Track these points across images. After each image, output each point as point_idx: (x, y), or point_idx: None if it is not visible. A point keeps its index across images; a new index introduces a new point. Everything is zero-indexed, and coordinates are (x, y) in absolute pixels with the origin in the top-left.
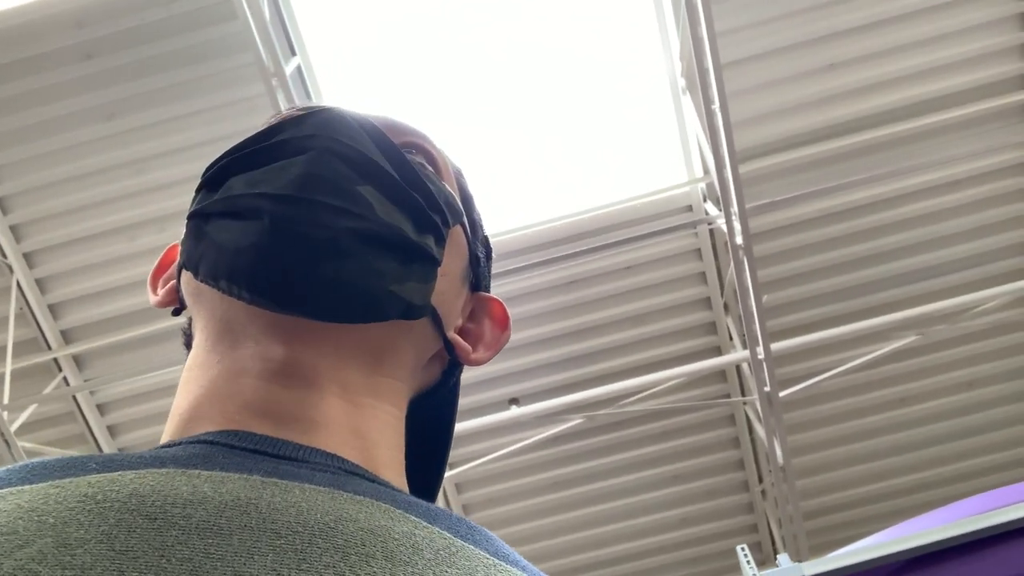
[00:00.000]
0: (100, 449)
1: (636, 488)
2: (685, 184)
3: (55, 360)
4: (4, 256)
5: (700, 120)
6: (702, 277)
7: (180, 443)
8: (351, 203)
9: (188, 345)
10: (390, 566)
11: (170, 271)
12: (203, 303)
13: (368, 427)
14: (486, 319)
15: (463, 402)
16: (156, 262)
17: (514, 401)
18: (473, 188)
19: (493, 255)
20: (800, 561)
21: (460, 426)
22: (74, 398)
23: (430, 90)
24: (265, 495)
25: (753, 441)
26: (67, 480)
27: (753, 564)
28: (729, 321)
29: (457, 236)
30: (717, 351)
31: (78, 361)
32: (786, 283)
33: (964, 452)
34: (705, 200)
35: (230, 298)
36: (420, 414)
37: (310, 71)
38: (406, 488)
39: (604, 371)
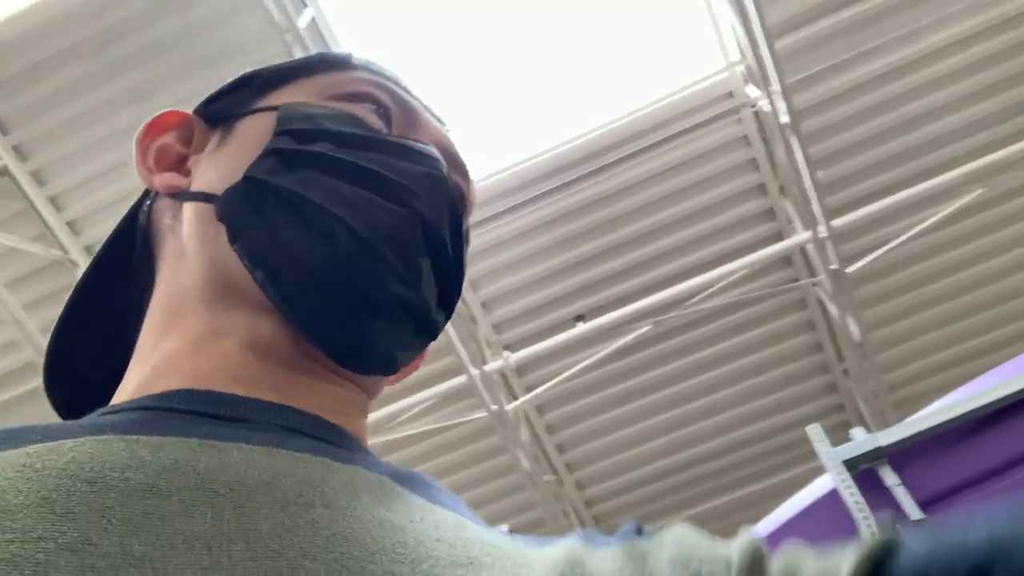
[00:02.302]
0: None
1: (715, 385)
2: (722, 70)
3: None
4: None
5: (729, 1)
6: (753, 164)
7: (121, 410)
8: (411, 272)
9: (143, 246)
10: (329, 512)
11: (165, 143)
12: (216, 247)
13: (332, 401)
14: None
15: (529, 327)
16: (146, 124)
17: (579, 318)
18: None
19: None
20: None
21: (530, 350)
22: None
23: (450, 22)
24: (202, 457)
25: (828, 321)
26: (7, 452)
27: (826, 440)
28: (787, 204)
29: None
30: (779, 236)
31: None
32: (839, 156)
33: None
34: (745, 83)
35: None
36: None
37: (324, 22)
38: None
39: (666, 274)
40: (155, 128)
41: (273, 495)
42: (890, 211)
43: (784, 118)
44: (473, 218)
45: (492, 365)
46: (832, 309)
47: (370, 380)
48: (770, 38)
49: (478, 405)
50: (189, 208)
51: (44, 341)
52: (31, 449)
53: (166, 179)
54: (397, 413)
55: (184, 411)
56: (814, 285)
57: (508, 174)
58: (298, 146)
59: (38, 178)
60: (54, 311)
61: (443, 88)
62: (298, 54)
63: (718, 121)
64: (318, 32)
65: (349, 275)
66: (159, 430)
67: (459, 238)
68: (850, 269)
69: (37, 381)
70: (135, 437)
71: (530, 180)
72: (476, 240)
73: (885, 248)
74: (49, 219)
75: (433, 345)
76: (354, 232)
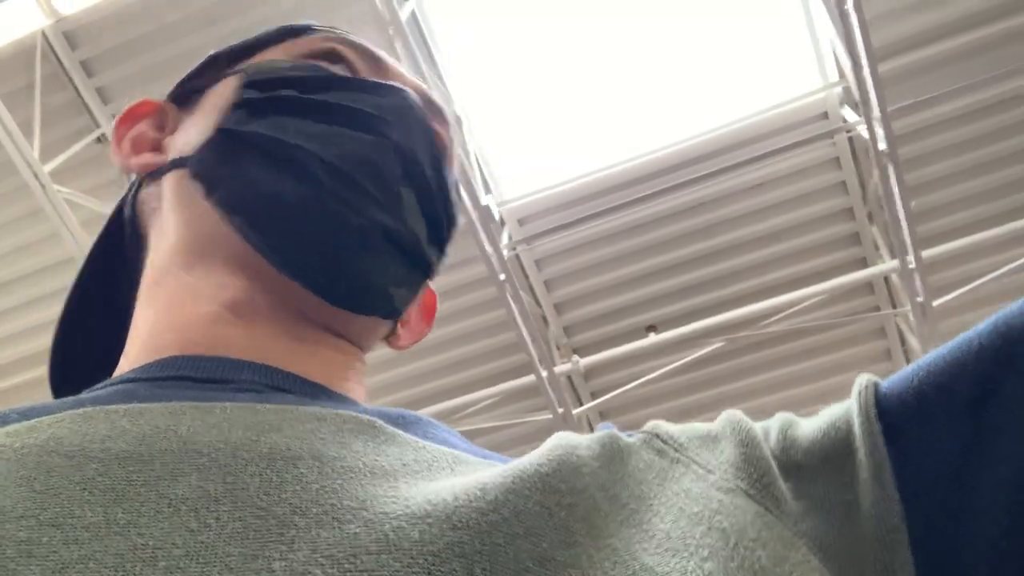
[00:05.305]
0: None
1: (783, 407)
2: (819, 90)
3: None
4: None
5: (832, 21)
6: (842, 187)
7: (106, 386)
8: (390, 200)
9: (132, 226)
10: (318, 464)
11: (140, 131)
12: (191, 207)
13: (320, 363)
14: (415, 306)
15: (600, 332)
16: (122, 112)
17: (651, 328)
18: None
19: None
20: None
21: (599, 356)
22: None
23: (547, 26)
24: (184, 420)
25: (906, 353)
26: None
27: None
28: (874, 231)
29: None
30: (863, 263)
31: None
32: (934, 186)
33: None
34: (842, 106)
35: (224, 224)
36: None
37: (424, 16)
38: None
39: (743, 292)
40: (129, 118)
41: (259, 451)
42: (983, 246)
43: (882, 145)
44: (556, 220)
45: (561, 367)
46: (913, 341)
47: (363, 332)
48: (874, 61)
49: (542, 406)
50: (167, 180)
51: None
52: (10, 429)
53: (142, 160)
54: (464, 406)
55: (167, 378)
56: (896, 316)
57: (593, 178)
58: (265, 94)
59: None
60: None
61: (538, 87)
62: (399, 47)
63: (811, 143)
64: (417, 26)
65: (326, 205)
66: (140, 399)
67: (441, 172)
68: (937, 302)
69: None
70: (115, 407)
71: (614, 186)
72: (555, 242)
73: (976, 283)
74: None
75: (504, 341)
76: (326, 163)
